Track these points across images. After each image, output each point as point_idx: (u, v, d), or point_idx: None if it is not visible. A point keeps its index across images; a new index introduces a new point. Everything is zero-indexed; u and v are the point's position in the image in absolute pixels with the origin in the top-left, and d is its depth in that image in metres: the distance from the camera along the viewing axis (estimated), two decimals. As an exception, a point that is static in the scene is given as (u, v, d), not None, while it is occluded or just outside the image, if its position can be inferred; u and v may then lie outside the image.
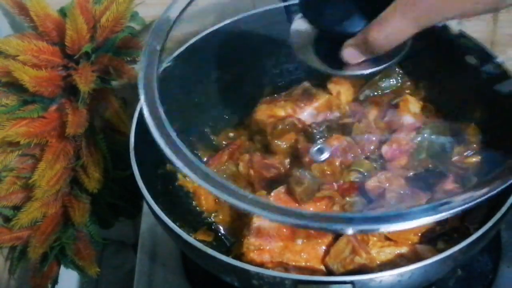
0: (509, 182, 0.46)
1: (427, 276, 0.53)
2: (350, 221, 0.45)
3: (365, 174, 0.62)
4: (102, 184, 0.81)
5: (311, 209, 0.59)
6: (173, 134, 0.49)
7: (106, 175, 0.82)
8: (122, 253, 1.02)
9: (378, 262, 0.58)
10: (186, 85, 0.71)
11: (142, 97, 0.52)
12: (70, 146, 0.79)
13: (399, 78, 0.69)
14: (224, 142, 0.73)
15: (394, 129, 0.66)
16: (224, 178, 0.51)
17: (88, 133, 0.80)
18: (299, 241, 0.58)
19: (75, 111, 0.77)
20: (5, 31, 0.85)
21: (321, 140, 0.57)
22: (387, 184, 0.59)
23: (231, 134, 0.74)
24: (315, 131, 0.66)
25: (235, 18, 0.72)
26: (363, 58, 0.50)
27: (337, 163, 0.63)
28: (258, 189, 0.65)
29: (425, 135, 0.65)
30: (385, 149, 0.64)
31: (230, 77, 0.75)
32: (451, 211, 0.45)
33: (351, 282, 0.50)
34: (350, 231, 0.47)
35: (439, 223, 0.59)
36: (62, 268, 0.86)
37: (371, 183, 0.60)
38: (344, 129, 0.66)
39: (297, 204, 0.59)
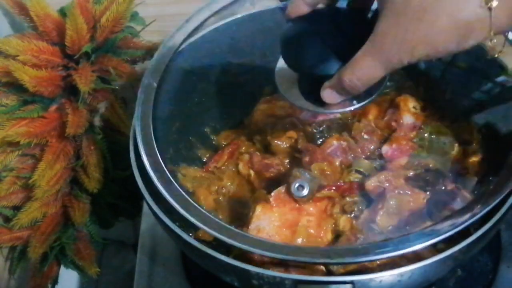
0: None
1: (427, 276, 0.53)
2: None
3: (365, 174, 0.62)
4: (102, 184, 0.81)
5: (311, 209, 0.59)
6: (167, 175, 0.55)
7: (106, 175, 0.82)
8: (122, 253, 1.02)
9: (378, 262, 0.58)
10: (186, 85, 0.71)
11: (138, 138, 0.58)
12: (70, 146, 0.79)
13: (399, 78, 0.69)
14: (224, 142, 0.73)
15: (394, 129, 0.66)
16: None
17: (88, 133, 0.80)
18: (299, 241, 0.58)
19: (75, 111, 0.78)
20: (5, 31, 0.86)
21: (304, 174, 0.59)
22: (387, 184, 0.59)
23: (231, 134, 0.74)
24: (315, 131, 0.66)
25: (235, 18, 0.72)
26: (341, 99, 0.52)
27: (337, 163, 0.63)
28: (258, 189, 0.65)
29: (425, 135, 0.65)
30: (385, 149, 0.64)
31: (230, 76, 0.74)
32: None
33: (351, 282, 0.50)
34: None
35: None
36: (62, 268, 0.86)
37: (371, 183, 0.60)
38: (344, 129, 0.66)
39: (297, 204, 0.58)
